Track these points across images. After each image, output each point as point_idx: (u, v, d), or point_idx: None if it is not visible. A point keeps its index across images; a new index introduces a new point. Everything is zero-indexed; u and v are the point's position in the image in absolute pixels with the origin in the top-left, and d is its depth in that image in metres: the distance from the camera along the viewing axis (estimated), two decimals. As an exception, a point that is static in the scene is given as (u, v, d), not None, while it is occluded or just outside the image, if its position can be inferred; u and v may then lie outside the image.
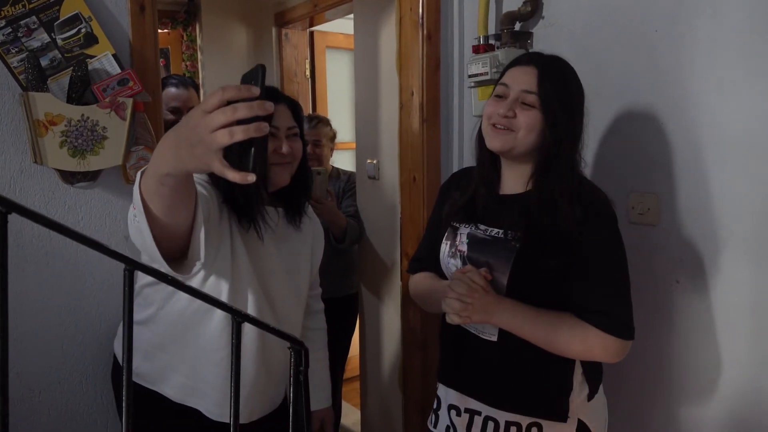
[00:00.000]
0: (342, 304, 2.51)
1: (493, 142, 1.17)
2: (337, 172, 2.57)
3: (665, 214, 1.38)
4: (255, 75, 0.74)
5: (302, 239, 1.41)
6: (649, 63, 1.40)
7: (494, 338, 1.19)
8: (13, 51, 1.39)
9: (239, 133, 0.69)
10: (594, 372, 1.20)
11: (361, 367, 2.59)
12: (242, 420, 1.29)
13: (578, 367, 1.18)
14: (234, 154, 0.72)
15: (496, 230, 1.19)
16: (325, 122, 2.48)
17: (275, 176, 1.28)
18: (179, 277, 1.04)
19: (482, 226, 1.22)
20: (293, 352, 0.73)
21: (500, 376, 1.20)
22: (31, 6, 1.39)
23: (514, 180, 1.22)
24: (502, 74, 1.21)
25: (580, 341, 1.10)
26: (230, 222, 1.24)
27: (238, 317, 0.69)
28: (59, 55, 1.43)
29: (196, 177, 1.17)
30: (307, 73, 3.40)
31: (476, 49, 1.78)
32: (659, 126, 1.38)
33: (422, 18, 1.93)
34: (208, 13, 3.30)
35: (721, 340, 1.30)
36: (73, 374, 1.56)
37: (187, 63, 3.30)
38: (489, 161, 1.23)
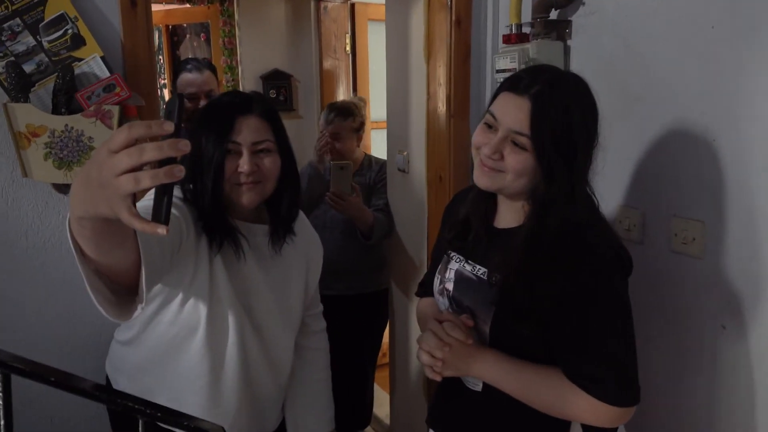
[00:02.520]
0: (371, 300, 2.41)
1: (479, 180, 1.01)
2: (369, 161, 2.40)
3: (712, 245, 1.17)
4: (172, 107, 0.62)
5: (294, 257, 1.30)
6: (703, 65, 1.17)
7: (479, 388, 1.07)
8: (-2, 56, 1.32)
9: (146, 180, 0.58)
10: (598, 429, 1.03)
11: (390, 362, 2.51)
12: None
13: (576, 424, 1.03)
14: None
15: (482, 269, 1.06)
16: (346, 113, 2.27)
17: (239, 198, 1.15)
18: (118, 320, 0.96)
19: (470, 263, 1.09)
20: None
21: (486, 428, 1.08)
22: (14, 7, 1.31)
23: (509, 213, 1.06)
24: (495, 96, 1.02)
25: (568, 406, 0.95)
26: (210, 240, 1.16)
27: (145, 416, 0.59)
28: (46, 59, 1.34)
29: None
30: (348, 48, 3.23)
31: (507, 39, 1.57)
32: (709, 141, 1.16)
33: (451, 0, 1.73)
34: (244, -14, 3.17)
35: (771, 401, 1.11)
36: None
37: (225, 39, 3.19)
38: (483, 192, 1.07)
